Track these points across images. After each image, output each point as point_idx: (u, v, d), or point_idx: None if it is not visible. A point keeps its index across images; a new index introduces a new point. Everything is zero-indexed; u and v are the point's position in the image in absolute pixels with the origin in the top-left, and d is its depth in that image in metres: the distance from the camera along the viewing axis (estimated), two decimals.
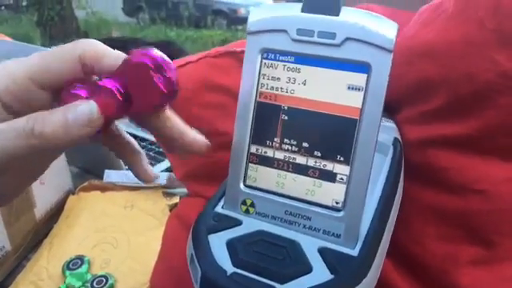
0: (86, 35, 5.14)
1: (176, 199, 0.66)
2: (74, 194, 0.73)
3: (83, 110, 0.23)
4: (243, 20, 6.91)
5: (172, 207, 0.63)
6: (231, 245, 0.25)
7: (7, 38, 1.15)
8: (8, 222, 0.59)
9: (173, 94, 0.24)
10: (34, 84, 0.24)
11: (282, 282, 0.22)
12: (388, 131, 0.34)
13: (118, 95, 0.23)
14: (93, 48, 0.25)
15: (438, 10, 0.33)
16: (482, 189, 0.32)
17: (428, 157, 0.34)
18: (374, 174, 0.29)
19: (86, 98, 0.23)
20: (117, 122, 0.28)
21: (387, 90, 0.23)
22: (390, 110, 0.37)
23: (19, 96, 0.24)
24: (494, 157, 0.32)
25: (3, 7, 8.32)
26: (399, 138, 0.33)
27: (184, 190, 0.65)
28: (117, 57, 0.25)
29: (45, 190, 0.67)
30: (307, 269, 0.23)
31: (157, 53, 0.23)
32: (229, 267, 0.23)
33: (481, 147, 0.32)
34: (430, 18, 0.34)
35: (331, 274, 0.23)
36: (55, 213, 0.69)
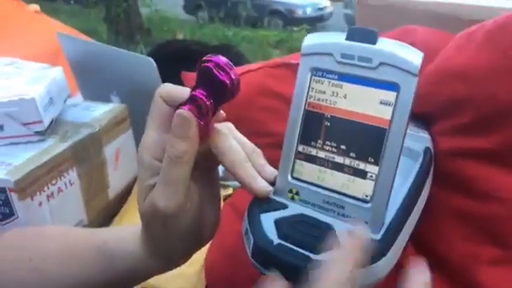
0: (149, 32, 5.33)
1: (229, 190, 0.73)
2: None
3: (177, 119, 0.30)
4: (299, 21, 6.88)
5: (226, 197, 0.69)
6: (278, 222, 0.30)
7: (80, 34, 1.26)
8: (87, 199, 0.68)
9: (236, 83, 0.30)
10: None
11: (316, 253, 0.28)
12: (421, 141, 0.38)
13: (203, 98, 0.30)
14: (165, 89, 0.32)
15: (471, 37, 0.38)
16: (502, 196, 0.35)
17: (457, 166, 0.38)
18: (403, 175, 0.34)
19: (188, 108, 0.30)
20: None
21: (413, 106, 0.28)
22: (426, 122, 0.42)
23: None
24: None
25: (72, 1, 8.70)
26: (431, 147, 0.38)
27: (237, 183, 0.71)
28: (179, 91, 0.32)
29: (118, 174, 0.76)
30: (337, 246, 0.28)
31: (217, 56, 0.30)
32: (275, 239, 0.29)
33: (503, 160, 0.36)
34: (463, 45, 0.38)
35: None
36: (125, 194, 0.78)
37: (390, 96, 0.28)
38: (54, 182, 0.61)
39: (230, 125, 0.34)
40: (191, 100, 0.30)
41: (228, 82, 0.30)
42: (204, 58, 0.30)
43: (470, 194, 0.37)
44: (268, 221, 0.30)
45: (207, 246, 0.61)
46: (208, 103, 0.30)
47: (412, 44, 0.44)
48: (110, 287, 0.38)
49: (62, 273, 0.38)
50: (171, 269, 0.38)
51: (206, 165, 0.35)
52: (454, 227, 0.38)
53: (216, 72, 0.30)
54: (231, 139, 0.32)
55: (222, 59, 0.30)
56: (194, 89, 0.31)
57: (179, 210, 0.31)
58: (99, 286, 0.38)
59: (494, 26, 0.37)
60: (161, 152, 0.31)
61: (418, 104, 0.40)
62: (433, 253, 0.39)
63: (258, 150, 0.34)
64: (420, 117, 0.42)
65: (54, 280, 0.38)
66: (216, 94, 0.30)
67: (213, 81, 0.30)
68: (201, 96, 0.30)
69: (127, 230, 0.38)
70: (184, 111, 0.30)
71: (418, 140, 0.38)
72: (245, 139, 0.34)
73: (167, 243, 0.33)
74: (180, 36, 4.50)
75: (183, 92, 0.32)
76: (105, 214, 0.73)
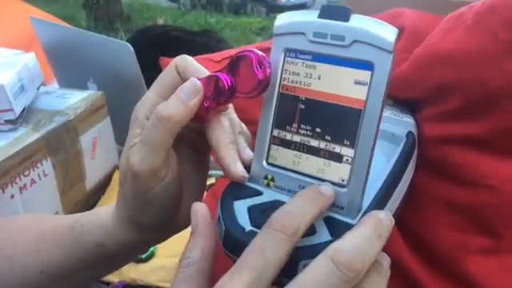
0: (129, 19, 5.23)
1: (212, 180, 0.71)
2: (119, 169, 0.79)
3: (188, 85, 0.30)
4: (283, 8, 6.86)
5: (208, 187, 0.68)
6: (251, 210, 0.29)
7: (57, 20, 1.23)
8: (62, 191, 0.66)
9: (266, 82, 0.30)
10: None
11: None
12: (405, 125, 0.37)
13: (225, 82, 0.30)
14: (183, 62, 0.33)
15: (459, 20, 0.36)
16: (491, 184, 0.35)
17: (444, 153, 0.37)
18: (385, 160, 0.33)
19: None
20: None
21: (388, 85, 0.26)
22: (413, 107, 0.41)
23: None
24: (504, 155, 0.34)
25: None
26: (414, 131, 0.37)
27: (219, 173, 0.70)
28: (196, 69, 0.32)
29: (95, 165, 0.73)
30: (312, 231, 0.27)
31: (259, 52, 0.30)
32: (247, 226, 0.28)
33: (492, 146, 0.35)
34: (452, 28, 0.37)
35: (331, 236, 0.27)
36: (103, 185, 0.76)
37: (365, 75, 0.27)
38: (26, 173, 0.58)
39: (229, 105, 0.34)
40: (210, 79, 0.31)
41: (261, 78, 0.29)
42: (244, 50, 0.30)
43: (458, 181, 0.36)
44: (241, 208, 0.29)
45: (187, 238, 0.59)
46: (227, 89, 0.30)
47: (402, 27, 0.43)
48: (83, 270, 0.38)
49: (32, 259, 0.37)
50: (142, 246, 0.38)
51: (199, 146, 0.35)
52: (442, 216, 0.37)
53: (255, 64, 0.29)
54: (224, 119, 0.32)
55: (264, 56, 0.30)
56: (219, 71, 0.31)
57: (151, 173, 0.30)
58: (72, 270, 0.37)
59: (483, 7, 0.35)
60: None
61: (404, 89, 0.40)
62: (420, 243, 0.38)
63: (247, 134, 0.34)
64: (406, 102, 0.41)
65: (24, 267, 0.37)
66: (241, 86, 0.30)
67: (246, 71, 0.30)
68: (224, 81, 0.30)
69: (102, 207, 0.38)
70: (198, 81, 0.30)
71: (402, 125, 0.38)
72: (237, 120, 0.34)
73: (137, 206, 0.33)
74: (160, 22, 4.43)
75: (199, 71, 0.32)
76: (82, 206, 0.71)
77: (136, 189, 0.31)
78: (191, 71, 0.32)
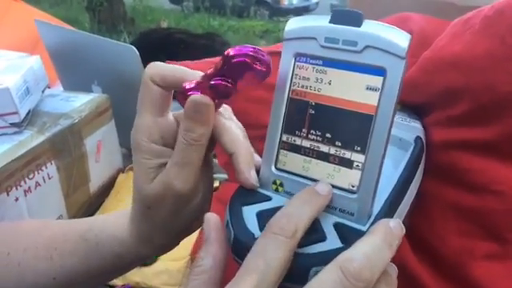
0: (133, 21, 5.24)
1: (216, 183, 0.71)
2: (123, 172, 0.80)
3: (198, 104, 0.30)
4: (286, 11, 6.87)
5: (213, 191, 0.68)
6: (260, 215, 0.29)
7: (60, 22, 1.23)
8: (66, 194, 0.66)
9: (269, 70, 0.30)
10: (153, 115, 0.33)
11: (299, 247, 0.26)
12: (412, 130, 0.37)
13: (229, 84, 0.30)
14: (158, 72, 0.32)
15: (467, 24, 0.36)
16: (499, 190, 0.34)
17: (451, 158, 0.36)
18: (393, 166, 0.33)
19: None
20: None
21: (400, 91, 0.26)
22: (420, 112, 0.40)
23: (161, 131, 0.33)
24: None
25: None
26: (422, 136, 0.36)
27: (224, 176, 0.70)
28: (175, 74, 0.32)
29: (99, 168, 0.73)
30: (322, 238, 0.27)
31: (250, 47, 0.29)
32: (256, 232, 0.28)
33: (500, 151, 0.34)
34: (459, 32, 0.36)
35: (341, 243, 0.26)
36: (107, 188, 0.76)
37: (377, 81, 0.27)
38: (31, 176, 0.58)
39: (227, 107, 0.34)
40: (212, 88, 0.30)
41: (266, 70, 0.29)
42: (230, 52, 0.29)
43: (466, 187, 0.36)
44: (250, 213, 0.29)
45: (193, 241, 0.59)
46: (230, 86, 0.30)
47: (409, 32, 0.43)
48: (96, 277, 0.38)
49: (43, 264, 0.37)
50: (157, 253, 0.39)
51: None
52: (449, 221, 0.37)
53: (256, 66, 0.29)
54: (230, 120, 0.33)
55: (252, 49, 0.29)
56: (215, 75, 0.30)
57: (194, 190, 0.32)
58: (85, 277, 0.37)
59: (491, 11, 0.35)
60: (157, 134, 0.32)
61: (411, 94, 0.40)
62: (427, 247, 0.38)
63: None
64: (414, 107, 0.41)
65: (34, 272, 0.37)
66: (248, 81, 0.30)
67: (250, 72, 0.29)
68: (224, 83, 0.30)
69: (111, 215, 0.38)
70: (204, 97, 0.30)
71: (409, 130, 0.37)
72: (240, 124, 0.34)
73: (168, 223, 0.34)
74: (164, 25, 4.44)
75: (180, 74, 0.32)
76: (86, 209, 0.71)
77: (178, 206, 0.33)
78: (171, 77, 0.32)
